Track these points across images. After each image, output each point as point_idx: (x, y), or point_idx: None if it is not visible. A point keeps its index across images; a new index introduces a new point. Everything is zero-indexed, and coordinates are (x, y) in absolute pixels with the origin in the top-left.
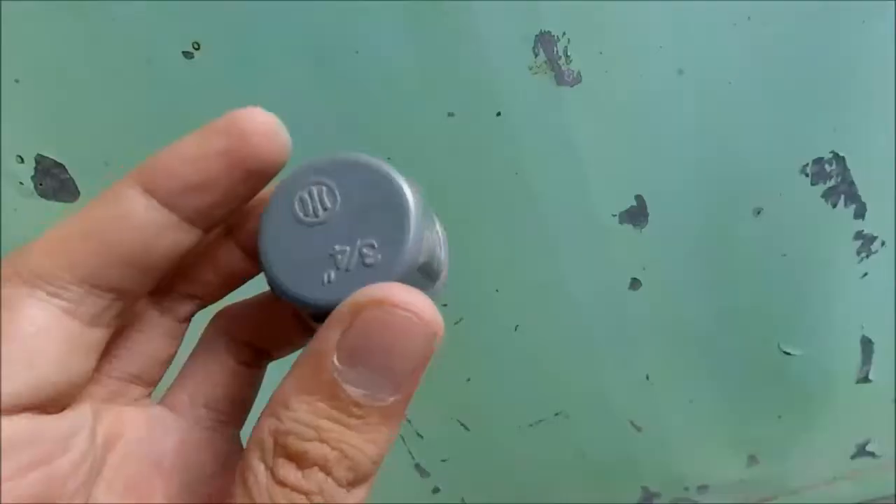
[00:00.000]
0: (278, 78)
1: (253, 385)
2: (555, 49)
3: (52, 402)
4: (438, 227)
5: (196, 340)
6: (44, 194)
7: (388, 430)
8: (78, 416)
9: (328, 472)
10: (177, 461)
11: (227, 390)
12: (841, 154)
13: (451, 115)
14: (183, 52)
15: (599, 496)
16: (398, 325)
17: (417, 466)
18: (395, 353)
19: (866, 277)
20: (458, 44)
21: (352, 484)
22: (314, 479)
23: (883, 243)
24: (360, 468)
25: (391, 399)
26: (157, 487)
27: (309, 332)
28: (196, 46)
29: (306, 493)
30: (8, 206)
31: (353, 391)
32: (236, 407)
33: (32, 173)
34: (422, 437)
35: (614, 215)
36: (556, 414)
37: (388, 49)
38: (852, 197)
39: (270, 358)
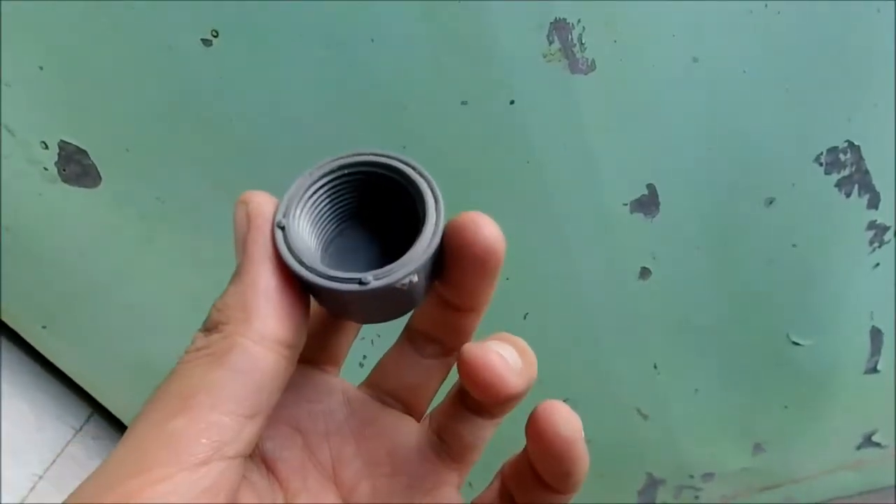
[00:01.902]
0: (294, 65)
1: (436, 376)
2: (569, 37)
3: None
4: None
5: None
6: (67, 180)
7: (234, 284)
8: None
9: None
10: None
11: (411, 381)
12: (856, 143)
13: (464, 103)
14: (202, 40)
15: (605, 482)
16: (234, 214)
17: None
18: (235, 229)
19: (878, 268)
20: (472, 32)
21: (205, 329)
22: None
23: None
24: (209, 316)
25: (236, 266)
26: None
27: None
28: (214, 34)
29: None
30: (32, 191)
31: None
32: (419, 395)
33: (56, 159)
34: None
35: (625, 204)
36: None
37: (403, 37)
38: (867, 186)
39: (447, 350)
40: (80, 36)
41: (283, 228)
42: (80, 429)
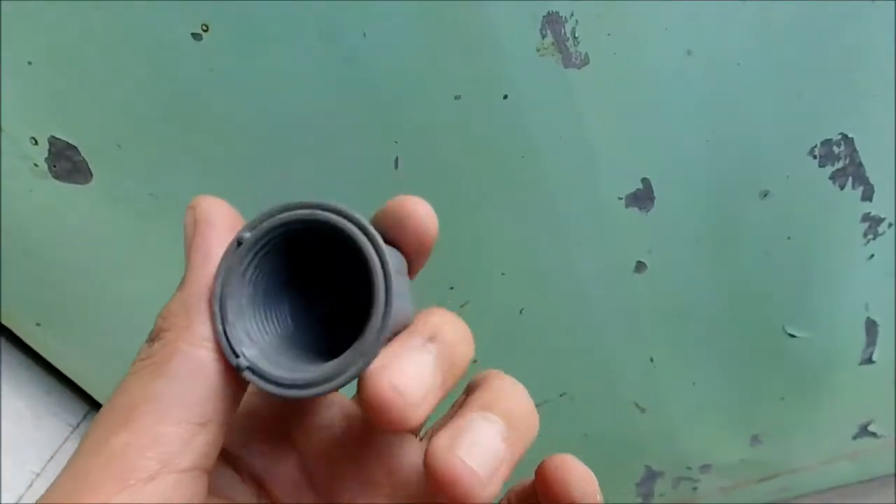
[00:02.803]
0: (286, 60)
1: None
2: (562, 30)
3: None
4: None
5: None
6: (58, 176)
7: (178, 291)
8: None
9: None
10: None
11: None
12: (850, 135)
13: (457, 97)
14: (192, 34)
15: (603, 475)
16: (184, 220)
17: None
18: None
19: (873, 259)
20: (465, 25)
21: (150, 339)
22: None
23: (890, 225)
24: (154, 325)
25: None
26: None
27: None
28: (205, 28)
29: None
30: (23, 187)
31: None
32: None
33: (46, 155)
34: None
35: (620, 198)
36: (561, 395)
37: (396, 31)
38: (860, 178)
39: None
40: (69, 30)
41: (240, 243)
42: (77, 426)
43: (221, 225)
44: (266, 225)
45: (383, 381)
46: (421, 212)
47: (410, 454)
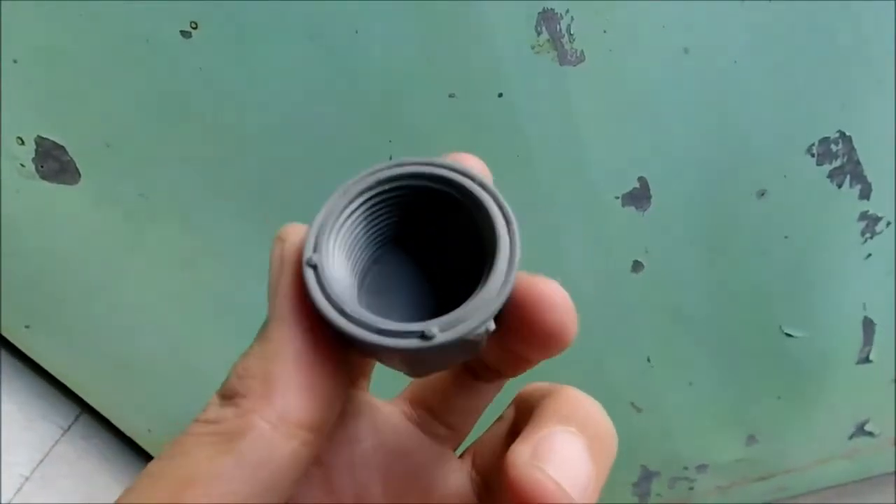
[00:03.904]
0: (276, 58)
1: (483, 399)
2: (558, 27)
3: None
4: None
5: None
6: (45, 176)
7: (259, 345)
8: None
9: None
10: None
11: (450, 401)
12: (848, 133)
13: (452, 96)
14: (181, 32)
15: None
16: (270, 253)
17: None
18: (270, 273)
19: (870, 258)
20: (459, 23)
21: (222, 396)
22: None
23: (888, 224)
24: (227, 378)
25: (266, 320)
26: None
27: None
28: (194, 26)
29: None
30: (9, 188)
31: None
32: (459, 419)
33: (33, 155)
34: None
35: (617, 197)
36: None
37: (388, 29)
38: (858, 177)
39: (504, 376)
40: (56, 28)
41: (314, 267)
42: (69, 428)
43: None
44: (362, 182)
45: (546, 476)
46: (557, 300)
47: (448, 473)
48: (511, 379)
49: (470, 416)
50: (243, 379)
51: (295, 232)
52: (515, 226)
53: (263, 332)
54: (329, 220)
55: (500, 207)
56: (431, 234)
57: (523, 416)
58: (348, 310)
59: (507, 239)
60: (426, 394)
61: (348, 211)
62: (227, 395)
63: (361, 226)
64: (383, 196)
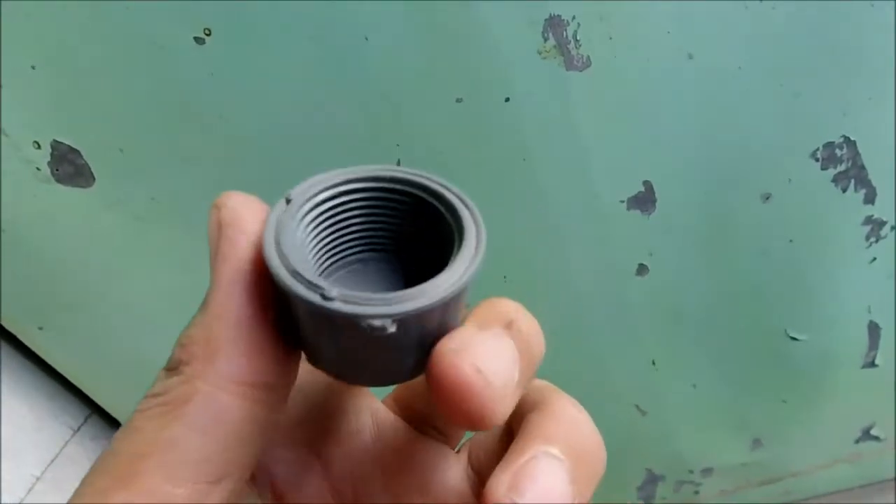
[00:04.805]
0: (288, 64)
1: None
2: (564, 33)
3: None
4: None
5: None
6: (60, 180)
7: (200, 312)
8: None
9: None
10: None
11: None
12: (852, 138)
13: (459, 100)
14: (195, 38)
15: (604, 479)
16: (208, 221)
17: None
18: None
19: (875, 262)
20: (467, 28)
21: (167, 368)
22: None
23: (893, 228)
24: (172, 352)
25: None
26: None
27: None
28: (207, 32)
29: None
30: (26, 191)
31: None
32: (448, 426)
33: (49, 159)
34: None
35: (622, 201)
36: None
37: (397, 35)
38: (863, 181)
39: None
40: (72, 35)
41: (288, 201)
42: (79, 429)
43: (254, 229)
44: (360, 172)
45: (464, 361)
46: (473, 388)
47: (446, 470)
48: None
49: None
50: (186, 347)
51: (232, 198)
52: (482, 243)
53: (203, 304)
54: (313, 188)
55: (476, 224)
56: (414, 244)
57: (515, 417)
58: (286, 251)
59: (472, 249)
60: (411, 398)
61: (336, 192)
62: (172, 367)
63: (344, 215)
64: (375, 194)
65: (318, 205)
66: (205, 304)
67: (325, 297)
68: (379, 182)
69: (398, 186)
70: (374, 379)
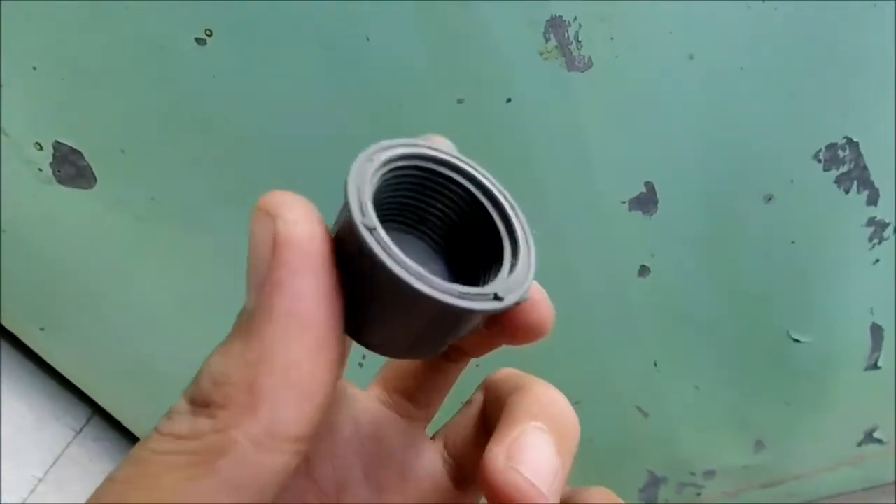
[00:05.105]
0: (290, 64)
1: (450, 377)
2: (566, 34)
3: None
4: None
5: None
6: (62, 181)
7: (241, 345)
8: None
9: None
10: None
11: (422, 382)
12: (855, 139)
13: (460, 101)
14: (196, 39)
15: (606, 480)
16: (252, 224)
17: None
18: (251, 254)
19: (878, 264)
20: (468, 29)
21: (193, 402)
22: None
23: (895, 230)
24: (199, 380)
25: (247, 311)
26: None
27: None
28: (208, 33)
29: (166, 414)
30: (27, 192)
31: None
32: (430, 396)
33: (51, 160)
34: None
35: (623, 202)
36: None
37: (399, 35)
38: (865, 182)
39: (468, 356)
40: (74, 36)
41: (372, 230)
42: (80, 430)
43: (315, 252)
44: (410, 149)
45: (512, 468)
46: (537, 299)
47: (423, 455)
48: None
49: (439, 393)
50: (221, 386)
51: (293, 209)
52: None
53: (245, 331)
54: (363, 184)
55: (504, 195)
56: (438, 215)
57: (493, 404)
58: (426, 273)
59: (519, 224)
60: (399, 376)
61: (377, 178)
62: (200, 403)
63: (386, 193)
64: (404, 171)
65: (391, 162)
66: (247, 336)
67: (497, 298)
68: (451, 170)
69: (465, 181)
70: (413, 355)
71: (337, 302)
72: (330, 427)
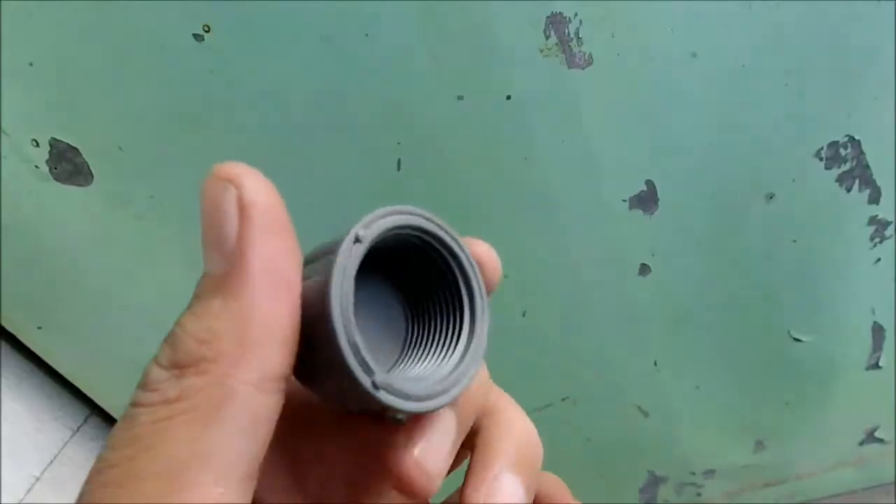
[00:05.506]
0: (288, 60)
1: None
2: (566, 31)
3: None
4: None
5: None
6: (59, 178)
7: (220, 303)
8: None
9: (155, 357)
10: None
11: None
12: (857, 137)
13: (460, 98)
14: (194, 35)
15: (606, 480)
16: (210, 192)
17: None
18: (210, 220)
19: (879, 263)
20: (468, 26)
21: (175, 365)
22: (147, 368)
23: None
24: (178, 344)
25: (215, 273)
26: None
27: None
28: (206, 29)
29: (140, 386)
30: (24, 189)
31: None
32: None
33: (47, 157)
34: None
35: (624, 200)
36: (564, 399)
37: (398, 31)
38: (867, 181)
39: None
40: (70, 32)
41: (359, 241)
42: (78, 430)
43: (279, 213)
44: (382, 224)
45: (425, 474)
46: (485, 259)
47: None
48: None
49: None
50: (209, 343)
51: (249, 174)
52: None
53: (223, 288)
54: (377, 221)
55: (478, 283)
56: (411, 282)
57: (466, 421)
58: (349, 315)
59: (481, 302)
60: None
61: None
62: (184, 364)
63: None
64: (415, 241)
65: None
66: (224, 294)
67: (374, 385)
68: (428, 236)
69: (439, 247)
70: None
71: (299, 256)
72: (314, 431)
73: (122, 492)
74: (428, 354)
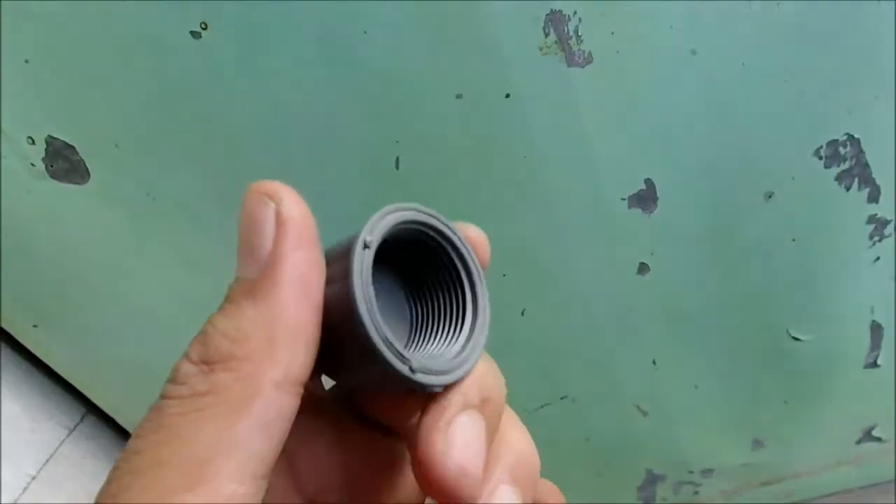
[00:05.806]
0: (286, 58)
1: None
2: (565, 29)
3: None
4: None
5: None
6: (55, 176)
7: (251, 306)
8: None
9: (186, 353)
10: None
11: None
12: (856, 136)
13: (459, 96)
14: (191, 32)
15: (605, 479)
16: (249, 205)
17: None
18: (248, 230)
19: (878, 262)
20: (467, 23)
21: (205, 361)
22: (178, 363)
23: None
24: (209, 341)
25: (247, 278)
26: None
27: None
28: (204, 26)
29: (170, 380)
30: (20, 187)
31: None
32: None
33: (43, 155)
34: None
35: (623, 199)
36: (562, 398)
37: (396, 29)
38: (866, 180)
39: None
40: (66, 28)
41: (367, 247)
42: (74, 428)
43: (310, 230)
44: (383, 225)
45: (450, 462)
46: (477, 241)
47: (400, 462)
48: None
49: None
50: (239, 343)
51: (286, 191)
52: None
53: (254, 293)
54: (384, 222)
55: (476, 266)
56: (411, 267)
57: None
58: (377, 312)
59: (483, 291)
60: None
61: (397, 226)
62: (215, 360)
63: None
64: (422, 238)
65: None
66: (255, 299)
67: (412, 370)
68: (435, 233)
69: (434, 235)
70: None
71: (323, 267)
72: (312, 430)
73: (146, 478)
74: (438, 331)
